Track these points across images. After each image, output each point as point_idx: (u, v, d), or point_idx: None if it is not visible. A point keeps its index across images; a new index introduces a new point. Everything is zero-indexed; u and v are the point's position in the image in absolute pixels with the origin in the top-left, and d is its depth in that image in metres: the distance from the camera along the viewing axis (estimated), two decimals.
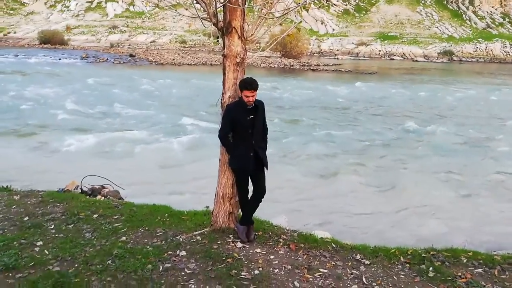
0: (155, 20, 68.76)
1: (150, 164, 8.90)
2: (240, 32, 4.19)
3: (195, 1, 4.19)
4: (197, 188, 7.19)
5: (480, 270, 3.90)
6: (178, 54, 46.21)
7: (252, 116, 4.04)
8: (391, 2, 71.30)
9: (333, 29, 66.22)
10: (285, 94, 20.51)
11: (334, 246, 4.32)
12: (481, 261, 4.04)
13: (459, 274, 3.77)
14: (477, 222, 6.68)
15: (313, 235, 4.56)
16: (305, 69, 37.17)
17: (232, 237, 4.24)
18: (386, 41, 60.80)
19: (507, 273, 3.86)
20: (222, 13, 4.24)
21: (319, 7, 67.08)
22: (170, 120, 13.49)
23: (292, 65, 38.73)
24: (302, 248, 4.19)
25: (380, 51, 58.14)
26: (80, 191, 5.78)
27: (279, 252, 4.09)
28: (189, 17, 4.42)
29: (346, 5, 71.23)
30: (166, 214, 4.75)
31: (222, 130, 4.14)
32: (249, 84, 3.92)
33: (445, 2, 71.21)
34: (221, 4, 4.18)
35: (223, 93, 4.31)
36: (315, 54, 56.76)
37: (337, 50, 59.10)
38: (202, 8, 4.24)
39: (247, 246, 4.12)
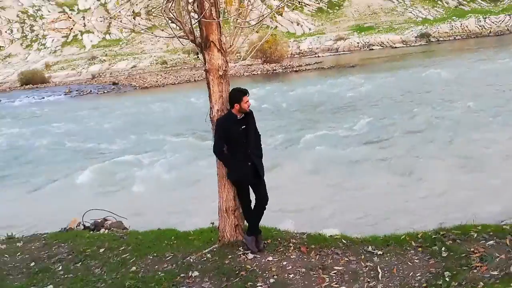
0: (133, 45, 68.78)
1: (148, 189, 8.84)
2: (218, 45, 4.22)
3: (169, 21, 4.21)
4: (199, 206, 7.15)
5: (491, 242, 3.90)
6: (161, 75, 46.18)
7: (244, 126, 4.05)
8: None
9: (310, 29, 66.84)
10: (273, 98, 20.56)
11: (345, 241, 4.30)
12: (491, 233, 4.05)
13: (472, 249, 3.78)
14: (483, 194, 6.70)
15: (322, 235, 4.54)
16: (288, 71, 37.38)
17: (242, 250, 4.21)
18: (362, 32, 61.42)
19: None
20: (199, 29, 4.27)
21: (293, 9, 67.78)
22: (161, 142, 13.42)
23: (275, 70, 38.93)
24: (313, 249, 4.17)
25: (358, 43, 58.67)
26: (82, 227, 5.71)
27: (291, 256, 4.07)
28: (166, 38, 4.44)
29: (318, 3, 72.04)
30: (173, 237, 4.70)
31: (216, 146, 4.14)
32: (244, 90, 4.07)
33: None
34: (196, 20, 4.21)
35: (210, 108, 4.31)
36: (295, 56, 57.08)
37: (317, 48, 59.53)
38: (178, 27, 4.26)
39: (259, 256, 4.09)
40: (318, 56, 52.60)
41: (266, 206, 4.20)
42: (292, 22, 67.70)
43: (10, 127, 20.05)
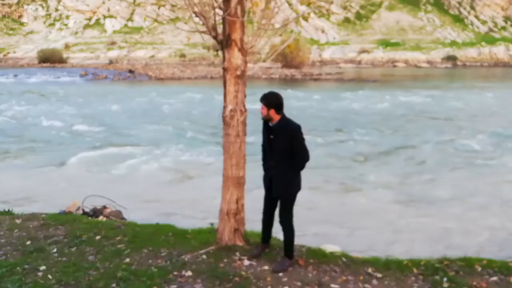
0: (154, 34, 69.36)
1: (152, 181, 8.80)
2: (240, 44, 4.14)
3: (194, 15, 4.15)
4: (201, 204, 7.07)
5: (495, 278, 3.76)
6: (178, 68, 46.48)
7: (272, 136, 3.85)
8: (392, 8, 71.59)
9: (334, 38, 66.51)
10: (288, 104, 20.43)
11: (345, 260, 4.18)
12: (496, 269, 3.91)
13: (474, 283, 3.64)
14: (491, 230, 6.47)
15: (322, 250, 4.41)
16: (307, 79, 37.22)
17: (238, 255, 4.12)
18: (388, 48, 60.87)
19: None
20: (222, 26, 4.20)
21: (320, 16, 67.60)
22: (171, 135, 13.44)
23: (294, 75, 38.80)
24: (312, 263, 4.06)
25: (382, 58, 58.22)
26: (82, 212, 5.69)
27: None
28: (188, 31, 4.39)
29: (346, 13, 71.64)
30: (170, 233, 4.64)
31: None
32: (262, 96, 3.86)
33: (446, 7, 71.36)
34: (221, 17, 4.14)
35: (224, 107, 4.24)
36: (316, 63, 56.91)
37: (339, 59, 59.25)
38: (201, 22, 4.20)
39: (255, 263, 4.00)
40: (340, 67, 52.32)
41: (284, 231, 3.99)
42: (317, 29, 67.48)
43: (21, 104, 20.36)
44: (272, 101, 3.77)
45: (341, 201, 7.82)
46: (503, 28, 64.42)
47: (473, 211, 7.27)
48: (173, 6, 4.35)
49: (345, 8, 72.52)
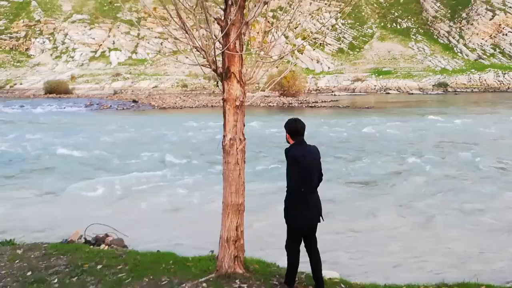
0: (157, 66, 70.86)
1: (154, 209, 8.82)
2: (239, 76, 4.34)
3: (194, 49, 4.37)
4: (202, 232, 7.08)
5: None
6: (180, 97, 47.24)
7: None
8: (383, 39, 73.74)
9: (329, 67, 68.03)
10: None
11: (344, 286, 4.20)
12: None
13: None
14: (489, 255, 6.49)
15: None
16: (304, 106, 37.80)
17: (238, 283, 4.13)
18: (380, 76, 62.22)
19: None
20: (221, 59, 4.42)
21: (314, 48, 69.41)
22: (172, 162, 13.53)
23: (291, 103, 39.43)
24: None
25: (375, 85, 59.35)
26: (84, 241, 5.70)
27: None
28: (189, 64, 4.60)
29: (340, 44, 73.64)
30: (171, 261, 4.65)
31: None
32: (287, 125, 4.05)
33: (435, 36, 73.60)
34: (220, 51, 4.37)
35: (224, 136, 4.38)
36: (312, 92, 57.92)
37: (334, 87, 60.36)
38: (201, 55, 4.41)
39: None
40: (335, 95, 53.23)
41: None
42: (312, 59, 69.11)
43: (26, 133, 20.51)
44: (287, 126, 4.00)
45: (347, 226, 7.83)
46: (492, 55, 66.24)
47: (481, 235, 7.29)
48: (175, 39, 4.57)
49: (338, 39, 74.62)
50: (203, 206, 8.84)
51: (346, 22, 77.28)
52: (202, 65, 4.35)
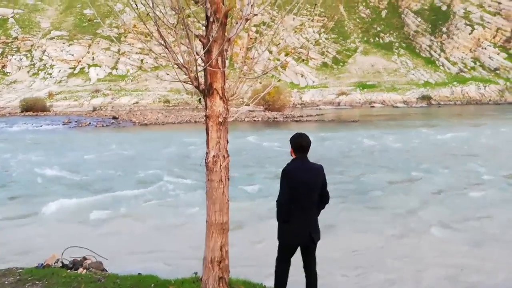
0: (138, 81, 70.26)
1: (135, 229, 8.54)
2: (221, 93, 4.27)
3: (176, 66, 4.30)
4: (186, 253, 6.88)
5: None
6: (162, 113, 46.82)
7: None
8: (366, 53, 75.27)
9: (313, 81, 68.88)
10: (268, 145, 20.67)
11: None
12: None
13: None
14: (484, 270, 6.46)
15: None
16: (289, 120, 37.96)
17: None
18: (365, 89, 63.26)
19: None
20: (203, 76, 4.35)
21: (298, 63, 70.32)
22: (153, 181, 13.22)
23: (276, 118, 39.56)
24: None
25: (360, 99, 60.26)
26: (60, 265, 5.44)
27: None
28: (171, 81, 4.52)
29: (324, 58, 74.84)
30: (152, 285, 4.47)
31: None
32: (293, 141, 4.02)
33: (417, 50, 75.53)
34: (202, 68, 4.30)
35: (207, 153, 4.28)
36: (297, 106, 58.40)
37: (319, 101, 61.02)
38: (183, 72, 4.34)
39: None
40: (320, 109, 53.75)
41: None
42: (296, 74, 69.93)
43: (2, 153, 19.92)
44: (292, 141, 3.98)
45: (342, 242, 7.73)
46: (473, 68, 68.18)
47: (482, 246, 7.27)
48: (156, 56, 4.49)
49: (322, 53, 75.86)
50: (187, 226, 8.63)
51: (329, 37, 78.76)
52: (184, 82, 4.28)
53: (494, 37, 70.77)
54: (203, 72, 4.34)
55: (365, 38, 79.29)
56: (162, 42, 4.18)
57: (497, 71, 64.95)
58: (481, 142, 20.71)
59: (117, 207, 10.06)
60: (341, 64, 73.65)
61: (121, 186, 12.38)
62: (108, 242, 7.23)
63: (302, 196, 3.77)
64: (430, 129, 26.81)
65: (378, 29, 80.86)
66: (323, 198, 3.92)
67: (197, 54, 4.13)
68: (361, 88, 63.87)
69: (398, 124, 31.01)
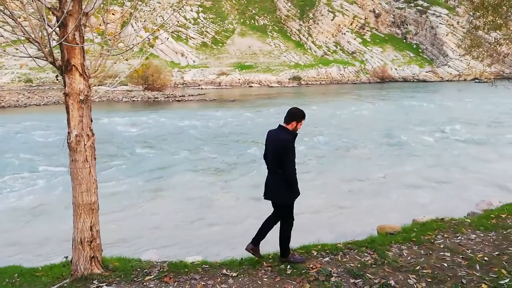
0: None
1: None
2: (81, 69, 4.13)
3: (27, 41, 3.97)
4: (55, 239, 6.50)
5: (327, 258, 4.56)
6: (23, 94, 40.97)
7: None
8: (243, 35, 77.54)
9: (194, 61, 68.29)
10: (150, 126, 20.16)
11: (205, 267, 4.48)
12: (327, 251, 4.74)
13: (311, 265, 4.35)
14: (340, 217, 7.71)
15: (183, 262, 4.63)
16: (170, 100, 37.26)
17: (97, 283, 4.02)
18: (243, 70, 65.50)
19: (347, 256, 4.62)
20: (60, 51, 4.13)
21: (178, 40, 68.63)
22: (14, 167, 11.82)
23: (157, 98, 38.38)
24: (173, 277, 4.23)
25: (239, 79, 62.27)
26: None
27: (149, 286, 4.06)
28: (21, 57, 4.16)
29: (203, 38, 74.54)
30: (16, 274, 4.21)
31: (293, 166, 4.11)
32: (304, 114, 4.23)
33: (288, 34, 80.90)
34: (57, 43, 4.07)
35: (69, 133, 4.14)
36: (179, 86, 57.44)
37: (200, 81, 61.00)
38: (36, 47, 4.04)
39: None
40: (201, 88, 53.89)
41: None
42: (176, 53, 68.28)
43: None
44: (301, 115, 4.25)
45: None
46: (334, 51, 76.42)
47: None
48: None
49: (201, 33, 75.42)
50: (54, 210, 8.07)
51: (207, 17, 78.61)
52: (36, 57, 4.00)
53: (351, 24, 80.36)
54: (59, 48, 4.13)
55: (242, 20, 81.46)
56: (9, 14, 3.81)
57: (354, 54, 74.25)
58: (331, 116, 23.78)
59: None
60: (221, 44, 74.50)
61: None
62: None
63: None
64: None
65: (253, 11, 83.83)
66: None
67: (51, 27, 3.90)
68: (239, 68, 65.91)
69: (270, 103, 33.24)
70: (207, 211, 8.41)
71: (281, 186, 4.16)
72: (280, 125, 4.24)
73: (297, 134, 4.23)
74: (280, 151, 4.08)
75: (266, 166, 4.36)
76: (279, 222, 4.43)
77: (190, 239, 6.98)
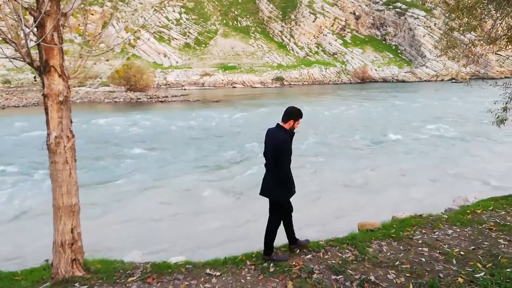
0: None
1: None
2: (60, 70, 4.09)
3: (3, 41, 3.91)
4: (34, 245, 6.38)
5: (309, 256, 4.63)
6: (1, 96, 39.89)
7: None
8: (226, 36, 77.47)
9: (177, 62, 67.82)
10: (132, 127, 19.94)
11: (188, 267, 4.48)
12: (310, 249, 4.81)
13: (294, 263, 4.41)
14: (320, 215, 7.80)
15: (166, 262, 4.63)
16: (153, 101, 36.87)
17: (78, 285, 3.98)
18: (227, 71, 65.42)
19: (329, 253, 4.70)
20: (38, 52, 4.07)
21: (160, 41, 68.00)
22: None
23: (139, 98, 37.92)
24: (156, 277, 4.23)
25: (223, 80, 62.15)
26: None
27: (132, 287, 4.04)
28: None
29: (186, 39, 74.10)
30: None
31: (288, 164, 4.16)
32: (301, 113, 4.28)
33: (271, 35, 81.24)
34: (35, 44, 4.02)
35: (48, 134, 4.09)
36: (162, 86, 56.93)
37: (184, 81, 60.62)
38: (13, 48, 3.98)
39: None
40: (185, 89, 53.53)
41: None
42: (159, 54, 67.66)
43: None
44: (298, 114, 4.29)
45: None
46: (316, 52, 77.16)
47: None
48: None
49: (184, 34, 74.96)
50: (32, 215, 7.92)
51: (190, 18, 78.20)
52: (14, 58, 3.94)
53: (332, 25, 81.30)
54: (37, 49, 4.07)
55: (224, 21, 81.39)
56: None
57: (335, 55, 75.16)
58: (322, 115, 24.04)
59: None
60: (204, 45, 74.22)
61: None
62: None
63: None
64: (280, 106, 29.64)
65: (236, 13, 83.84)
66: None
67: (28, 28, 3.84)
68: (223, 69, 65.79)
69: (254, 103, 33.33)
70: (196, 211, 8.39)
71: (277, 183, 4.29)
72: (278, 124, 4.34)
73: (294, 133, 4.32)
74: (277, 149, 4.20)
75: (263, 164, 4.46)
76: (282, 222, 4.59)
77: (176, 239, 6.96)
